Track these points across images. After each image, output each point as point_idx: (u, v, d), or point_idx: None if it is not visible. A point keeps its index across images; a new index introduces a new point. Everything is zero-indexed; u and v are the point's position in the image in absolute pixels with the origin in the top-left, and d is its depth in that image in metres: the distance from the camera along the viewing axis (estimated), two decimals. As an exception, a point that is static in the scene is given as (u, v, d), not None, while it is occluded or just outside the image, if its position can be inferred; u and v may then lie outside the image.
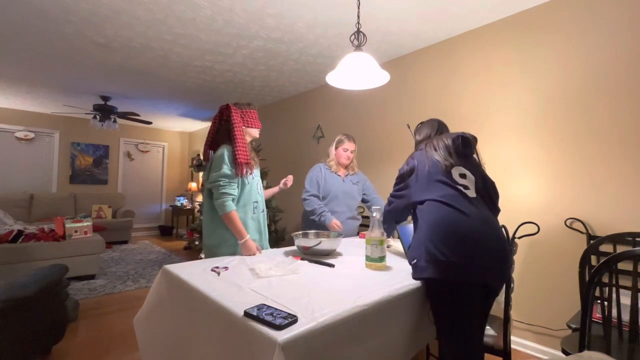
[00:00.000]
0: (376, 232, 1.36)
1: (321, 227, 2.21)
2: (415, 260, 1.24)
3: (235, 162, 1.64)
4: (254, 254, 1.60)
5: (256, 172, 1.82)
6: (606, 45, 1.95)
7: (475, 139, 1.42)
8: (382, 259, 1.38)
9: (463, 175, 1.32)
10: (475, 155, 1.43)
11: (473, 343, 1.17)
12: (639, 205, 1.82)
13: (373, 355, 0.98)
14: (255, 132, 1.82)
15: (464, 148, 1.37)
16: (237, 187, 1.67)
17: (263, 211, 1.86)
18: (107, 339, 2.29)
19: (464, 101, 2.61)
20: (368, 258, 1.40)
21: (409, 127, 1.76)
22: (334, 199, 2.30)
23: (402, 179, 1.43)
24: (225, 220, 1.61)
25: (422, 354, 2.01)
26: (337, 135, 2.41)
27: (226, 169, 1.62)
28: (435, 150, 1.38)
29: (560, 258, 2.08)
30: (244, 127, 1.74)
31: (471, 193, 1.28)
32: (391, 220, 1.56)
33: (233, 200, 1.64)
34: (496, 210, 1.39)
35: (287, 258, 1.50)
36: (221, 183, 1.60)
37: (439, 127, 1.53)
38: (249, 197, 1.72)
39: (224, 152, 1.65)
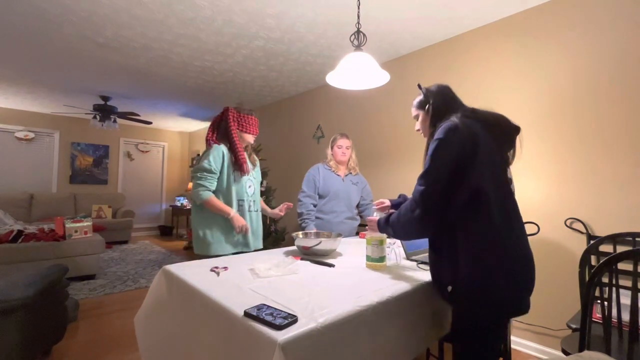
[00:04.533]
0: (377, 232, 1.36)
1: (319, 227, 2.24)
2: (450, 287, 1.06)
3: (238, 162, 1.79)
4: (243, 224, 1.74)
5: (251, 174, 1.93)
6: (607, 46, 1.95)
7: None
8: (382, 259, 1.37)
9: (510, 180, 1.09)
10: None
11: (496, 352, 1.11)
12: (639, 205, 1.82)
13: (373, 355, 0.98)
14: (249, 138, 1.90)
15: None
16: (216, 182, 1.80)
17: (256, 211, 1.95)
18: (107, 339, 2.29)
19: (464, 101, 2.60)
20: (369, 258, 1.39)
21: (420, 87, 1.26)
22: (333, 198, 2.31)
23: (455, 155, 0.99)
24: (208, 207, 1.75)
25: (422, 354, 2.01)
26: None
27: (206, 163, 1.75)
28: (495, 136, 1.04)
29: (560, 258, 2.08)
30: (238, 131, 1.86)
31: None
32: (431, 226, 1.06)
33: (209, 192, 1.78)
34: None
35: (287, 258, 1.50)
36: (198, 175, 1.75)
37: (457, 101, 1.20)
38: (234, 194, 1.82)
39: (213, 149, 1.78)
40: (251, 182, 1.91)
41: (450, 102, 1.18)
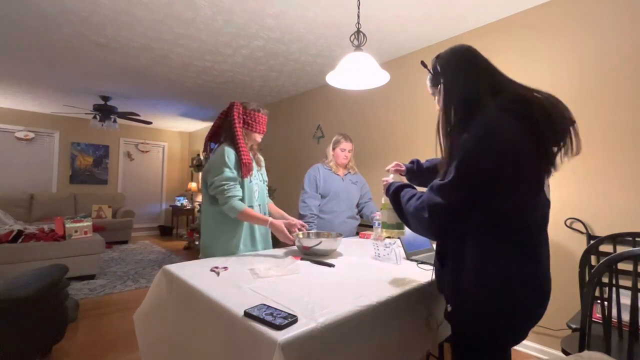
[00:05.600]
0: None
1: (320, 227, 2.23)
2: (450, 307, 0.96)
3: (240, 163, 1.63)
4: (285, 230, 1.57)
5: (256, 176, 1.79)
6: (607, 46, 1.95)
7: None
8: (400, 225, 1.19)
9: (548, 191, 0.90)
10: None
11: None
12: (639, 205, 1.82)
13: (373, 356, 0.98)
14: (256, 137, 1.75)
15: None
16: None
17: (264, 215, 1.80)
18: (107, 339, 2.29)
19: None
20: (385, 225, 1.22)
21: (423, 65, 1.02)
22: (334, 198, 2.30)
23: (487, 173, 0.78)
24: (243, 219, 1.61)
25: (422, 355, 2.01)
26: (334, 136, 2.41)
27: (228, 171, 1.59)
28: (543, 138, 0.81)
29: (560, 258, 2.08)
30: (243, 128, 1.70)
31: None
32: (433, 236, 0.96)
33: (241, 200, 1.62)
34: None
35: (287, 258, 1.50)
36: (225, 187, 1.58)
37: (484, 70, 0.91)
38: (245, 201, 1.67)
39: (224, 152, 1.61)
40: (257, 185, 1.77)
41: (473, 81, 0.88)
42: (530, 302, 0.87)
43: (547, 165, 0.85)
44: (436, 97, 1.04)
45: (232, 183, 1.59)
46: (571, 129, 0.85)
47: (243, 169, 1.63)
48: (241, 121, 1.69)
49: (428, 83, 1.05)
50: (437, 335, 1.26)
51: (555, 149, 0.85)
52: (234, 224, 1.66)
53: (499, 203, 0.81)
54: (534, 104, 0.83)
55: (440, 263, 1.00)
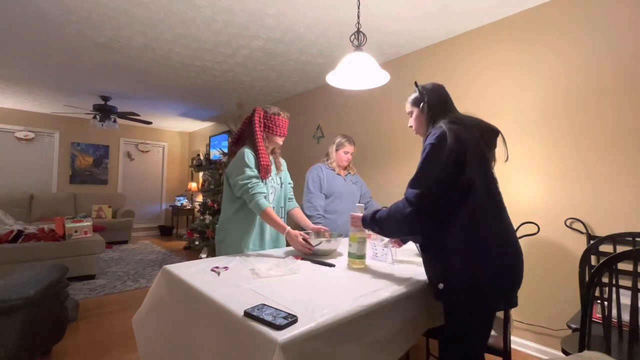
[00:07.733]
0: (358, 228, 1.35)
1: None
2: (442, 285, 1.08)
3: (259, 165, 1.67)
4: (303, 243, 1.56)
5: (273, 179, 1.81)
6: (607, 46, 1.95)
7: None
8: (364, 256, 1.39)
9: (496, 180, 1.16)
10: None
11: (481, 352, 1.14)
12: (639, 205, 1.82)
13: (372, 352, 0.98)
14: (276, 139, 1.78)
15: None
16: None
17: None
18: (107, 339, 2.29)
19: (464, 101, 2.61)
20: (354, 255, 1.38)
21: (416, 85, 1.29)
22: (337, 198, 2.31)
23: (446, 158, 1.04)
24: (263, 219, 1.64)
25: (423, 355, 2.01)
26: (336, 135, 2.41)
27: (249, 171, 1.64)
28: (483, 139, 1.12)
29: (560, 258, 2.08)
30: (264, 132, 1.74)
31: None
32: (421, 226, 1.11)
33: (265, 197, 1.66)
34: None
35: (287, 258, 1.50)
36: (249, 185, 1.63)
37: (450, 101, 1.26)
38: None
39: (244, 154, 1.66)
40: (273, 188, 1.79)
41: (443, 102, 1.22)
42: (502, 257, 1.03)
43: (487, 156, 1.12)
44: (413, 115, 1.30)
45: (255, 180, 1.65)
46: (499, 138, 1.20)
47: (262, 170, 1.68)
48: (262, 125, 1.74)
49: (409, 102, 1.31)
50: (434, 322, 1.27)
51: (490, 149, 1.17)
52: (245, 224, 1.71)
53: (462, 176, 1.03)
54: (463, 117, 1.17)
55: (426, 252, 1.15)
